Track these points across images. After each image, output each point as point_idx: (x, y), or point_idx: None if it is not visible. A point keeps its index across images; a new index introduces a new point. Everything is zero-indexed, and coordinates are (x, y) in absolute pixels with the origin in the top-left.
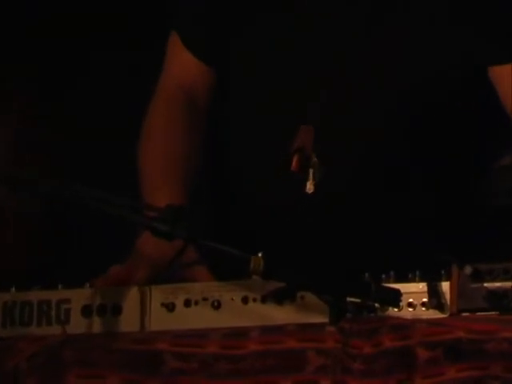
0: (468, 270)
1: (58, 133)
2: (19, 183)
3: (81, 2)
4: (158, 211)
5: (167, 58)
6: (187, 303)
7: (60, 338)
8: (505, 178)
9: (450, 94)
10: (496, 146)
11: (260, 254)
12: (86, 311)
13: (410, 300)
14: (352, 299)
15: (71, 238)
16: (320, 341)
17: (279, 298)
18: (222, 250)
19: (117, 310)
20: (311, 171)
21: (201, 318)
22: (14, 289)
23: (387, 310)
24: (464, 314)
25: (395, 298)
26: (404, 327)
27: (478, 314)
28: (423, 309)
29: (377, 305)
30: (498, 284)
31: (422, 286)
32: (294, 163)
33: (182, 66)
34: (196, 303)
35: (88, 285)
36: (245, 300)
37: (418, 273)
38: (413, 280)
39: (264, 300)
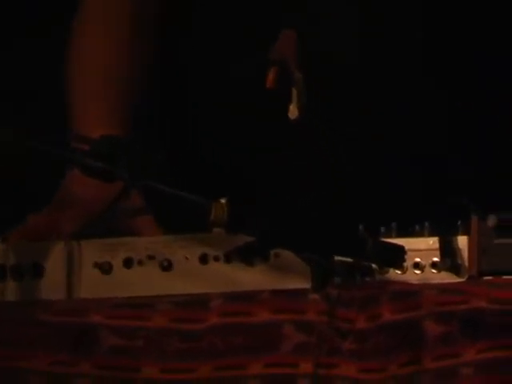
0: (492, 220)
1: None
2: None
3: None
4: (89, 143)
5: None
6: (128, 263)
7: None
8: None
9: None
10: None
11: (224, 200)
12: None
13: (417, 260)
14: (342, 258)
15: None
16: (300, 312)
17: (248, 256)
18: (174, 194)
19: (37, 272)
20: (294, 90)
21: (146, 283)
22: None
23: (387, 272)
24: (486, 278)
25: (398, 256)
26: (409, 295)
27: (505, 277)
28: (434, 271)
29: (374, 266)
30: None
31: (432, 242)
32: (269, 79)
33: None
34: (140, 263)
35: None
36: (203, 259)
37: (427, 225)
38: (420, 234)
39: (228, 259)
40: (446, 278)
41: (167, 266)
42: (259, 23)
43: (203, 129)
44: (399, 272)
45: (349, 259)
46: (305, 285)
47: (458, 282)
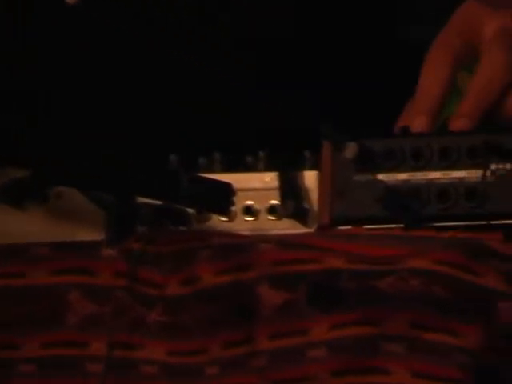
0: (351, 149)
1: None
2: None
3: None
4: None
5: None
6: None
7: None
8: None
9: None
10: None
11: None
12: None
13: (249, 203)
14: (146, 200)
15: None
16: (89, 273)
17: (13, 195)
18: None
19: None
20: None
21: None
22: None
23: (209, 219)
24: (343, 228)
25: (222, 198)
26: (237, 250)
27: (368, 227)
28: (271, 218)
29: (191, 210)
30: (402, 176)
31: (269, 179)
32: None
33: None
34: None
35: None
36: None
37: (262, 155)
38: (254, 168)
39: None
40: (289, 227)
41: None
42: None
43: None
44: (225, 219)
45: (156, 201)
46: (96, 236)
47: (305, 234)
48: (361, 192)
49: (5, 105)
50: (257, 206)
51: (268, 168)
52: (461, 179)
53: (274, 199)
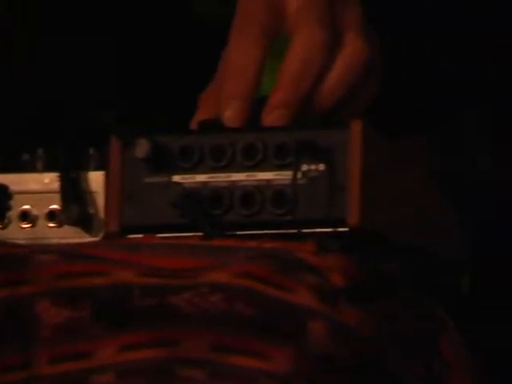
0: (142, 147)
1: None
2: None
3: None
4: None
5: None
6: None
7: None
8: None
9: None
10: None
11: None
12: None
13: (26, 207)
14: None
15: None
16: None
17: None
18: None
19: None
20: None
21: None
22: None
23: None
24: (134, 236)
25: None
26: (12, 262)
27: (162, 235)
28: (51, 224)
29: None
30: (201, 178)
31: (49, 180)
32: None
33: None
34: None
35: None
36: None
37: (41, 152)
38: (31, 167)
39: None
40: (71, 235)
41: None
42: None
43: None
44: None
45: None
46: None
47: (90, 243)
48: (154, 196)
49: None
50: (35, 212)
51: (47, 168)
52: (268, 182)
53: (55, 203)
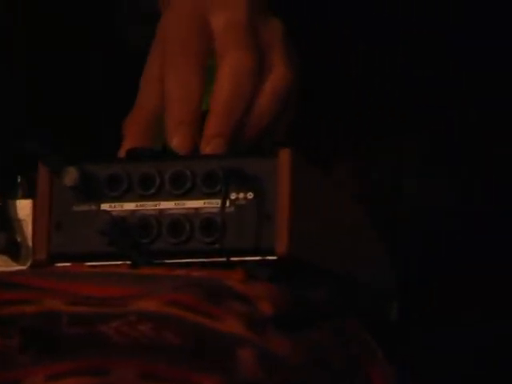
0: (71, 175)
1: None
2: None
3: None
4: None
5: None
6: None
7: None
8: None
9: None
10: None
11: None
12: None
13: None
14: None
15: None
16: None
17: None
18: None
19: None
20: None
21: None
22: None
23: None
24: (61, 265)
25: None
26: None
27: (90, 264)
28: None
29: None
30: (129, 206)
31: None
32: None
33: None
34: None
35: None
36: None
37: None
38: None
39: None
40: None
41: None
42: None
43: None
44: None
45: None
46: None
47: (18, 271)
48: (82, 224)
49: None
50: None
51: None
52: (196, 210)
53: None
